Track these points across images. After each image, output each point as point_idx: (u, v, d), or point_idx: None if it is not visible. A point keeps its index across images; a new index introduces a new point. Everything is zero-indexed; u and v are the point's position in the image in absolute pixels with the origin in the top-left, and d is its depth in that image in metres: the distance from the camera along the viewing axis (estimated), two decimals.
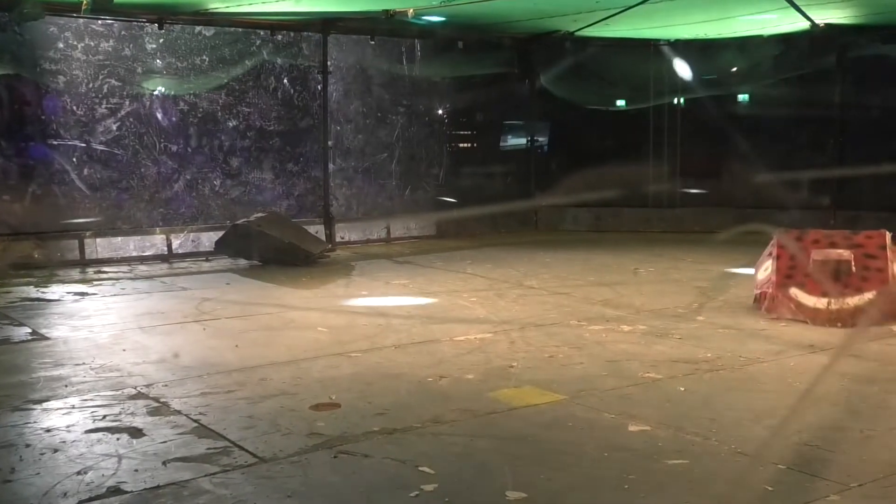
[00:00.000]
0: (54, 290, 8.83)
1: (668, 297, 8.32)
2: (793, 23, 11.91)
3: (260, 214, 10.91)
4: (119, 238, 11.02)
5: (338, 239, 12.41)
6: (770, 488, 3.75)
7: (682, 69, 13.83)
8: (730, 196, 13.39)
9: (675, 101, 14.10)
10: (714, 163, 13.97)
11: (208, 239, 11.23)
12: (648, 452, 4.18)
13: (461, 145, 14.53)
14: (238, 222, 10.69)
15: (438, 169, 13.74)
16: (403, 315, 7.55)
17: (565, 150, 14.69)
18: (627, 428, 4.52)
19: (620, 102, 14.50)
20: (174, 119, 11.45)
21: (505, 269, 10.16)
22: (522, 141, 14.78)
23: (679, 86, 13.99)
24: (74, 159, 10.71)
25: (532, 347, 6.29)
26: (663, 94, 14.00)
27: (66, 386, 5.34)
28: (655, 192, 13.95)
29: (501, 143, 14.84)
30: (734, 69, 13.90)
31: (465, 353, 6.12)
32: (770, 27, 12.45)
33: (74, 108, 10.69)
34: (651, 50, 13.87)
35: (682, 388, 5.29)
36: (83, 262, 10.51)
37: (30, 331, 6.92)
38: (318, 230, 12.03)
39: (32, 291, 8.75)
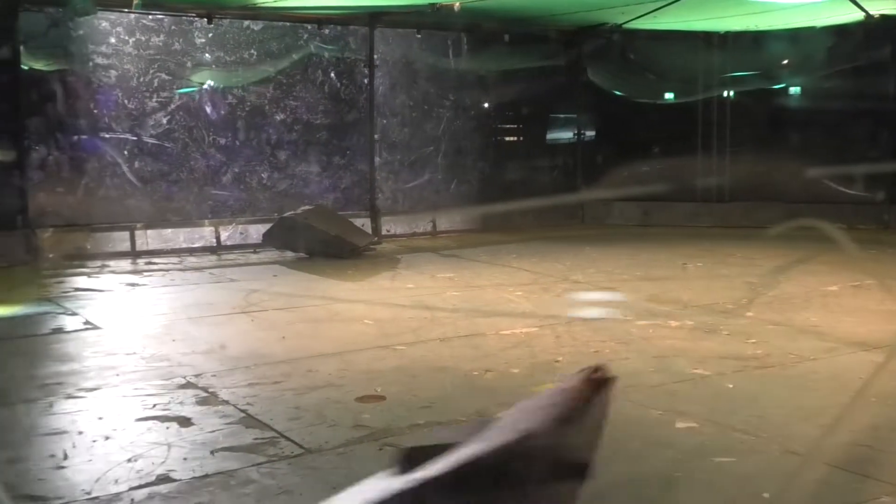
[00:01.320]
0: (106, 281, 8.99)
1: (717, 292, 8.23)
2: (847, 14, 11.67)
3: (307, 207, 10.99)
4: (169, 230, 11.18)
5: (384, 232, 12.46)
6: (820, 488, 3.69)
7: (732, 62, 13.64)
8: (780, 191, 13.16)
9: (725, 93, 13.91)
10: (764, 157, 13.75)
11: (256, 231, 11.34)
12: (695, 450, 4.14)
13: (507, 139, 14.51)
14: (285, 215, 10.78)
15: (484, 162, 13.73)
16: (449, 308, 7.56)
17: (612, 144, 14.57)
18: (674, 425, 4.48)
19: (668, 95, 14.35)
20: (223, 112, 11.57)
21: (550, 263, 10.12)
22: (569, 134, 14.70)
23: (728, 78, 13.80)
24: (126, 152, 10.88)
25: (577, 342, 6.26)
26: (712, 86, 13.82)
27: (118, 375, 5.43)
28: (704, 186, 13.78)
29: (547, 137, 14.78)
30: (785, 61, 13.67)
31: (510, 347, 6.11)
32: (823, 18, 12.22)
33: (126, 101, 10.86)
34: (700, 42, 13.70)
35: (731, 385, 5.22)
36: (134, 254, 10.68)
37: (83, 320, 7.06)
38: (364, 223, 12.08)
39: (85, 282, 8.91)
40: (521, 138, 14.65)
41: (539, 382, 5.23)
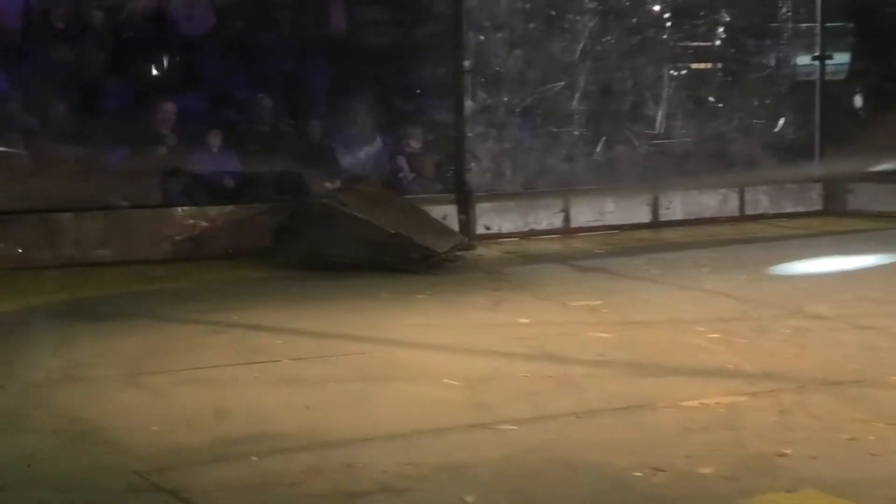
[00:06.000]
0: None
1: None
2: None
3: (348, 185, 11.07)
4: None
5: (479, 228, 12.44)
6: None
7: None
8: None
9: None
10: None
11: (256, 228, 11.35)
12: None
13: (693, 67, 14.38)
14: (311, 199, 10.88)
15: (654, 108, 13.63)
16: (590, 360, 7.52)
17: (879, 79, 14.36)
18: None
19: None
20: (201, 27, 11.75)
21: (769, 282, 10.02)
22: (804, 60, 14.51)
23: None
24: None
25: (818, 422, 6.15)
26: None
27: (29, 466, 5.51)
28: None
29: (764, 65, 14.62)
30: None
31: (697, 430, 6.03)
32: None
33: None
34: None
35: None
36: None
37: None
38: (445, 213, 12.09)
39: None
40: (718, 66, 14.51)
41: (749, 492, 5.15)
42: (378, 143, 12.44)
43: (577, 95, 13.22)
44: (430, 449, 5.76)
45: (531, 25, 13.01)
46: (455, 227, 12.04)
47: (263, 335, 8.29)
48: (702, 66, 14.47)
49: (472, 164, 12.64)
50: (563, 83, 13.16)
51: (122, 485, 5.27)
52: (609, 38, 13.38)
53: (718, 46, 14.43)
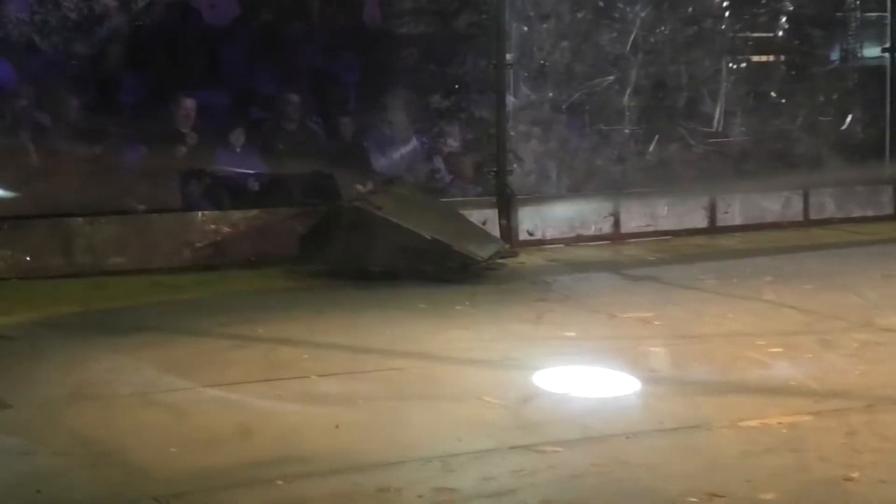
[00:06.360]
0: None
1: None
2: None
3: (381, 187, 11.07)
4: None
5: (522, 234, 12.43)
6: None
7: None
8: None
9: None
10: None
11: (285, 231, 11.38)
12: None
13: (754, 60, 14.34)
14: (342, 202, 10.88)
15: (712, 104, 13.60)
16: (642, 377, 7.49)
17: None
18: None
19: None
20: (224, 19, 11.79)
21: (837, 292, 9.98)
22: (874, 51, 14.47)
23: None
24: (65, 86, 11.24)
25: (889, 444, 6.11)
26: None
27: (39, 491, 5.54)
28: None
29: (830, 58, 14.58)
30: None
31: (758, 452, 6.01)
32: None
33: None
34: None
35: None
36: None
37: None
38: (485, 218, 12.10)
39: None
40: (783, 59, 14.48)
41: None
42: (413, 143, 12.45)
43: (629, 91, 13.19)
44: (470, 472, 5.76)
45: (579, 15, 13.00)
46: (496, 232, 12.04)
47: (290, 349, 8.31)
48: (763, 58, 14.43)
49: (515, 165, 12.63)
50: (612, 77, 13.14)
51: None
52: (663, 28, 13.37)
53: (781, 38, 14.39)
